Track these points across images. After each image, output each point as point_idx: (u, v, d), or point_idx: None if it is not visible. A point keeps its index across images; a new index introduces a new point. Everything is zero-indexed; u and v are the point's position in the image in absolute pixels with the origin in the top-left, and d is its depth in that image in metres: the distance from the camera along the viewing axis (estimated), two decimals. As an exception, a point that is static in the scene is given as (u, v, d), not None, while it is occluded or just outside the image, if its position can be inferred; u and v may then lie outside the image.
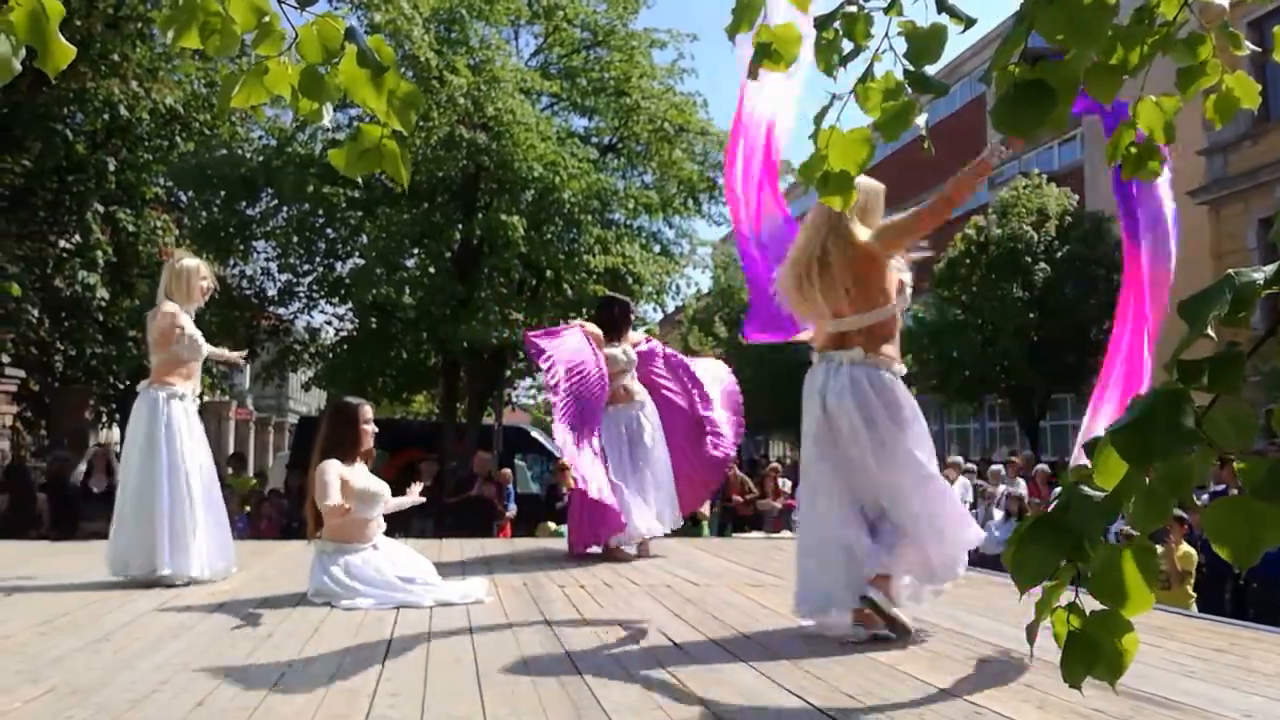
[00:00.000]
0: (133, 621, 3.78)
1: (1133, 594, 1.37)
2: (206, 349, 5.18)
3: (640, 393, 6.09)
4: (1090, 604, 1.42)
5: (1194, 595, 7.59)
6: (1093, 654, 1.39)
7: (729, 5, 2.33)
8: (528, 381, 18.44)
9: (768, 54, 2.32)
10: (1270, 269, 1.29)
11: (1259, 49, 2.58)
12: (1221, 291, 1.27)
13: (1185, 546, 7.62)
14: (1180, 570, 7.53)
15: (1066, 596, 1.43)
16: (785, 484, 13.80)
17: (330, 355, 15.59)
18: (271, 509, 10.75)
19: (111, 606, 4.12)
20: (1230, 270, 1.31)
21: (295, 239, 14.25)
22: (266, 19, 2.13)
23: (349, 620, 3.81)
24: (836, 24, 2.17)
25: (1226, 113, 2.48)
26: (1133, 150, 2.51)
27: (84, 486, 8.39)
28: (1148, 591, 1.38)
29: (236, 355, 5.89)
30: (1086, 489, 1.40)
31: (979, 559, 9.76)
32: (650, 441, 5.98)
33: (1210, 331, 1.30)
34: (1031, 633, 1.47)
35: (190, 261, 5.21)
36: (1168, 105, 2.45)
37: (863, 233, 3.53)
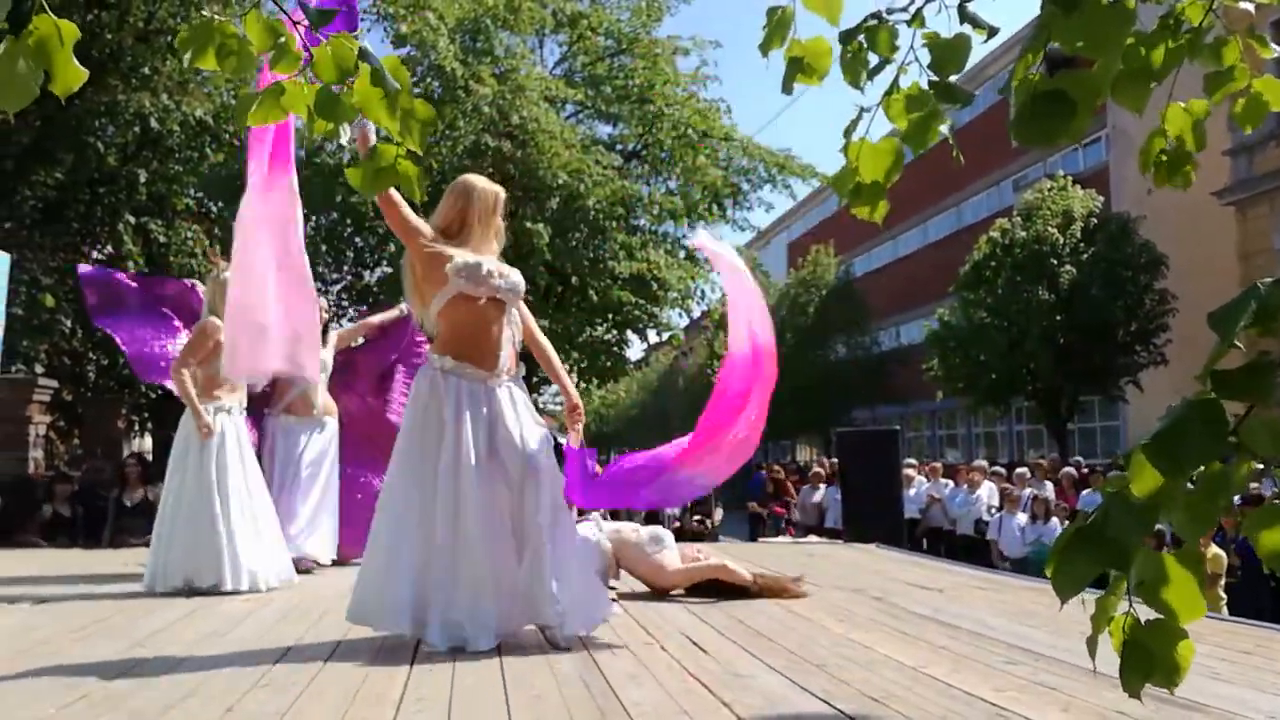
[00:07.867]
0: (166, 628, 3.83)
1: (1184, 601, 1.38)
2: None
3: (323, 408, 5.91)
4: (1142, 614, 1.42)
5: (1224, 598, 7.53)
6: (1149, 662, 1.40)
7: (751, 12, 2.36)
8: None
9: (800, 68, 2.33)
10: (1290, 277, 1.29)
11: (1286, 51, 2.56)
12: (1247, 302, 1.27)
13: (1214, 549, 7.57)
14: (1210, 573, 7.46)
15: (1121, 606, 1.43)
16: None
17: (357, 363, 15.68)
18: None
19: (145, 613, 4.18)
20: (1257, 282, 1.30)
21: (324, 248, 14.36)
22: (282, 40, 2.16)
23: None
24: (861, 38, 2.19)
25: (1255, 117, 2.46)
26: (1164, 158, 2.50)
27: (118, 498, 8.46)
28: (1199, 598, 1.38)
29: None
30: (1125, 499, 1.40)
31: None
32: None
33: (1238, 342, 1.30)
34: (1092, 645, 1.46)
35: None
36: (1197, 110, 2.44)
37: None
